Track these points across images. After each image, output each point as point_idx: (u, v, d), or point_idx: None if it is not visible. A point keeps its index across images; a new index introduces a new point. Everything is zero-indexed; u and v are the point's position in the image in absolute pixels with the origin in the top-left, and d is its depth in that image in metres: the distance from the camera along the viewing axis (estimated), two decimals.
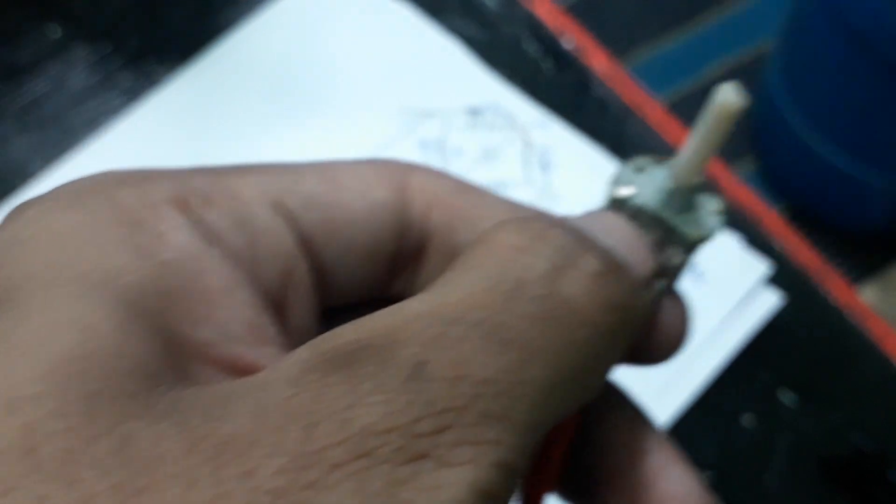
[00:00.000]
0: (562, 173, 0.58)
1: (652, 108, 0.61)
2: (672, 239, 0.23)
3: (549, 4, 0.64)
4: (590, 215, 0.22)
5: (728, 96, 0.20)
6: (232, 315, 0.19)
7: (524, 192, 0.57)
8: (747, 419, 0.53)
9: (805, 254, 0.57)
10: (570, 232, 0.20)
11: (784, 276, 0.56)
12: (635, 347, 0.23)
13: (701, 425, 0.52)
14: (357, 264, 0.22)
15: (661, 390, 0.52)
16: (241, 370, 0.18)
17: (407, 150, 0.58)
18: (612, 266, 0.20)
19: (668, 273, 0.23)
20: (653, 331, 0.23)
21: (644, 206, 0.23)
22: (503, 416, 0.17)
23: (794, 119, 1.20)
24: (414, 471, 0.16)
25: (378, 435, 0.16)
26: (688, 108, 1.43)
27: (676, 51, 1.48)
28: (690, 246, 0.23)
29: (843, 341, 0.55)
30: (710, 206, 0.23)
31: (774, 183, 1.35)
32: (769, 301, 0.55)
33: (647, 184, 0.23)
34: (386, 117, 0.59)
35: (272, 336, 0.19)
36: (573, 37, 0.63)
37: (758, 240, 0.56)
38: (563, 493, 0.24)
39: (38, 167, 0.57)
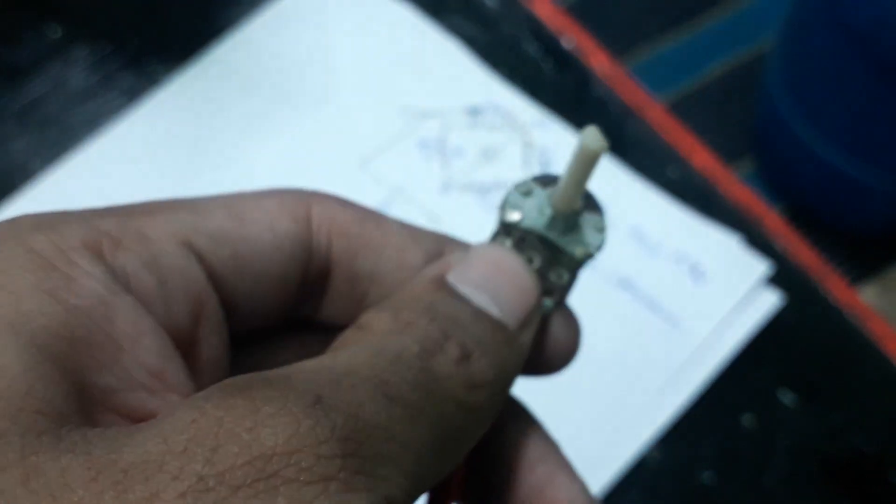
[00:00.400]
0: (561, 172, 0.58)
1: (652, 108, 0.61)
2: (559, 258, 0.25)
3: (550, 5, 0.64)
4: (474, 261, 0.24)
5: (589, 141, 0.22)
6: (136, 362, 0.19)
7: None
8: (747, 419, 0.53)
9: (805, 254, 0.57)
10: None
11: (784, 276, 0.56)
12: (529, 361, 0.24)
13: (701, 425, 0.52)
14: (266, 294, 0.23)
15: (662, 390, 0.52)
16: (140, 419, 0.18)
17: (407, 150, 0.58)
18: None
19: (557, 290, 0.25)
20: (544, 345, 0.25)
21: (531, 229, 0.24)
22: (393, 460, 0.18)
23: (793, 119, 1.20)
24: (320, 492, 0.16)
25: (282, 456, 0.16)
26: (688, 108, 1.44)
27: (676, 51, 1.48)
28: (576, 264, 0.25)
29: (843, 341, 0.55)
30: (593, 224, 0.25)
31: (774, 183, 1.35)
32: (769, 301, 0.55)
33: (533, 208, 0.25)
34: (386, 117, 0.59)
35: (178, 383, 0.20)
36: (573, 37, 0.63)
37: (758, 240, 0.56)
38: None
39: (39, 167, 0.57)
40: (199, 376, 0.22)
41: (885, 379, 0.54)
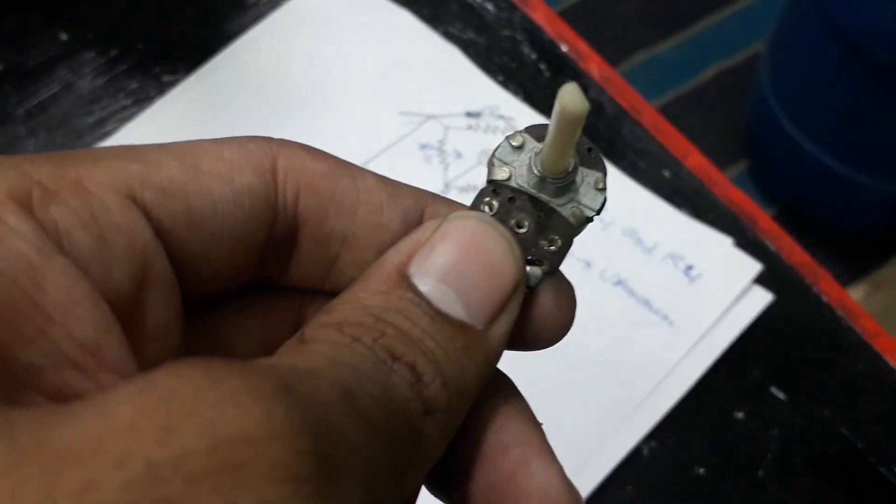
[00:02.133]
0: None
1: (646, 111, 0.62)
2: (552, 221, 0.22)
3: (547, 10, 0.65)
4: (443, 241, 0.21)
5: (567, 102, 0.19)
6: (67, 335, 0.17)
7: None
8: (740, 415, 0.53)
9: (796, 254, 0.58)
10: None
11: (776, 275, 0.56)
12: (515, 335, 0.22)
13: (694, 421, 0.53)
14: (223, 255, 0.21)
15: (656, 386, 0.53)
16: (67, 401, 0.15)
17: (407, 152, 0.59)
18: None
19: (548, 258, 0.22)
20: (532, 318, 0.23)
21: (520, 189, 0.22)
22: (356, 475, 0.16)
23: (785, 121, 1.21)
24: (291, 495, 0.14)
25: (254, 443, 0.14)
26: (681, 111, 1.45)
27: (670, 55, 1.49)
28: (571, 228, 0.22)
29: (834, 339, 0.56)
30: (592, 182, 0.22)
31: (766, 184, 1.36)
32: (761, 300, 0.56)
33: (524, 164, 0.22)
34: (386, 120, 0.60)
35: (115, 360, 0.17)
36: (569, 42, 0.64)
37: (750, 240, 0.57)
38: (431, 488, 0.23)
39: None
40: (145, 347, 0.19)
41: (875, 375, 0.55)
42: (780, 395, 0.54)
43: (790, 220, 1.24)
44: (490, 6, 0.64)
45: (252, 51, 0.62)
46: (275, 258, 0.22)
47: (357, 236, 0.22)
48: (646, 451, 0.52)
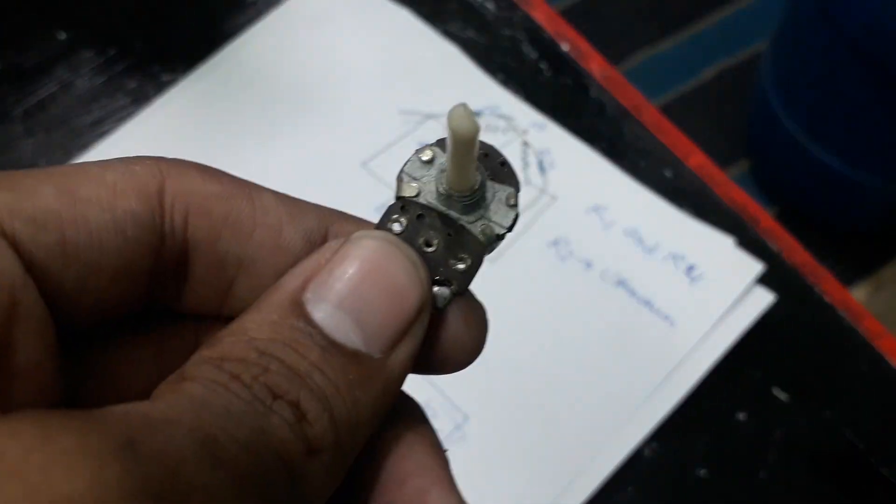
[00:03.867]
0: (560, 174, 0.59)
1: (647, 111, 0.62)
2: (462, 239, 0.21)
3: (547, 9, 0.65)
4: (342, 265, 0.20)
5: (456, 125, 0.19)
6: None
7: (523, 194, 0.58)
8: (741, 416, 0.53)
9: (798, 254, 0.57)
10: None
11: (777, 275, 0.56)
12: (422, 360, 0.21)
13: (695, 422, 0.53)
14: (104, 285, 0.20)
15: (658, 387, 0.53)
16: None
17: (407, 152, 0.59)
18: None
19: (457, 278, 0.21)
20: (440, 341, 0.22)
21: (430, 205, 0.21)
22: None
23: (787, 121, 1.21)
24: None
25: None
26: (683, 110, 1.45)
27: (672, 54, 1.49)
28: (481, 246, 0.22)
29: (836, 340, 0.56)
30: (503, 198, 0.22)
31: (768, 184, 1.36)
32: (763, 300, 0.55)
33: (433, 179, 0.22)
34: (387, 119, 0.60)
35: None
36: (570, 41, 0.63)
37: (752, 240, 0.57)
38: None
39: None
40: (14, 386, 0.18)
41: (877, 376, 0.55)
42: (782, 396, 0.54)
43: (792, 219, 1.23)
44: (490, 5, 0.64)
45: (251, 50, 0.62)
46: (166, 284, 0.21)
47: (254, 259, 0.21)
48: (647, 452, 0.52)
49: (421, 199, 0.22)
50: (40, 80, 0.60)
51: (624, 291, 0.55)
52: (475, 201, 0.21)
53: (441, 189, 0.21)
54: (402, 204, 0.22)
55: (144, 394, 0.18)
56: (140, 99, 0.60)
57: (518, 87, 0.61)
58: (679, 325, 0.54)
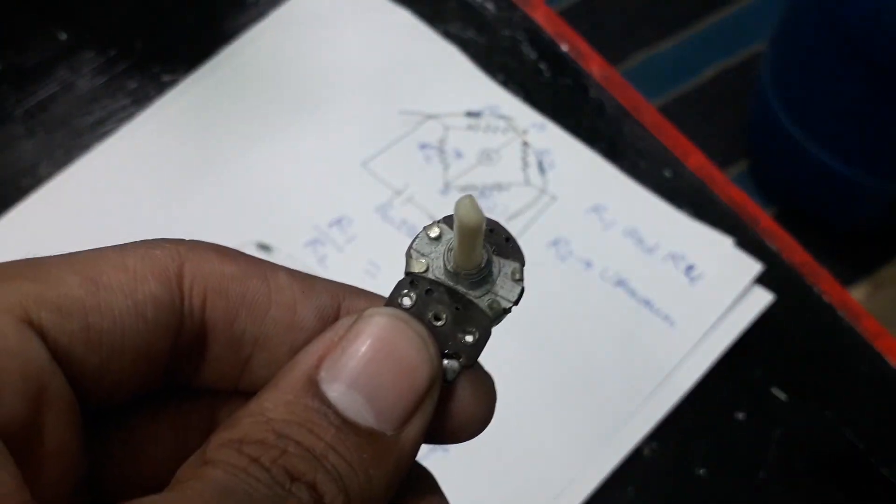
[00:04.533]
0: (559, 175, 0.59)
1: (647, 111, 0.62)
2: (470, 313, 0.22)
3: (547, 9, 0.65)
4: (354, 343, 0.21)
5: (463, 214, 0.20)
6: None
7: (523, 194, 0.58)
8: (741, 416, 0.53)
9: (797, 254, 0.58)
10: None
11: (777, 275, 0.56)
12: (431, 432, 0.22)
13: (695, 422, 0.53)
14: (126, 366, 0.21)
15: (655, 388, 0.53)
16: None
17: (407, 152, 0.59)
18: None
19: (465, 351, 0.22)
20: (449, 413, 0.22)
21: (438, 280, 0.22)
22: None
23: (786, 121, 1.21)
24: None
25: None
26: (682, 110, 1.45)
27: (671, 54, 1.49)
28: (488, 320, 0.22)
29: (835, 339, 0.56)
30: (510, 273, 0.23)
31: (767, 184, 1.36)
32: (762, 300, 0.55)
33: (441, 255, 0.22)
34: (387, 119, 0.60)
35: (4, 495, 0.17)
36: (570, 41, 0.64)
37: (751, 240, 0.57)
38: None
39: (45, 170, 0.57)
40: (43, 470, 0.19)
41: (876, 376, 0.55)
42: (781, 396, 0.54)
43: (791, 219, 1.23)
44: (490, 5, 0.64)
45: (251, 50, 0.62)
46: (185, 362, 0.22)
47: (269, 336, 0.22)
48: (646, 451, 0.52)
49: (430, 275, 0.22)
50: (41, 81, 0.60)
51: (623, 291, 0.55)
52: (482, 277, 0.22)
53: (449, 267, 0.22)
54: (412, 279, 0.22)
55: (165, 470, 0.19)
56: (141, 99, 0.60)
57: (518, 88, 0.61)
58: (678, 325, 0.54)
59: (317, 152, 0.59)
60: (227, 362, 0.22)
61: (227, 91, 0.60)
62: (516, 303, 0.23)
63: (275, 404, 0.20)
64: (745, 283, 0.55)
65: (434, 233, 0.23)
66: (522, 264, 0.23)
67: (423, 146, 0.59)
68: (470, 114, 0.60)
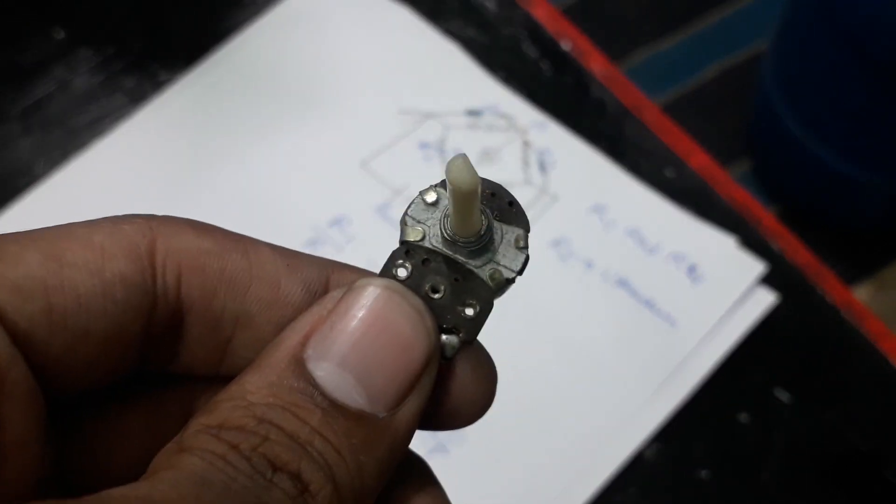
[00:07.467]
0: (561, 173, 0.58)
1: (649, 110, 0.61)
2: (470, 284, 0.21)
3: (548, 7, 0.64)
4: (344, 318, 0.19)
5: (454, 177, 0.18)
6: None
7: (524, 193, 0.58)
8: (743, 418, 0.53)
9: (800, 254, 0.57)
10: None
11: (779, 275, 0.56)
12: (428, 416, 0.20)
13: (697, 424, 0.53)
14: (94, 352, 0.19)
15: (659, 388, 0.53)
16: None
17: (407, 151, 0.59)
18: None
19: (465, 325, 0.20)
20: (448, 394, 0.21)
21: (435, 249, 0.21)
22: None
23: (788, 120, 1.21)
24: None
25: None
26: (685, 109, 1.44)
27: (673, 53, 1.48)
28: (490, 291, 0.21)
29: (839, 340, 0.55)
30: (513, 240, 0.21)
31: (770, 183, 1.35)
32: (765, 300, 0.55)
33: (439, 222, 0.21)
34: (387, 118, 0.60)
35: None
36: (571, 39, 0.63)
37: (753, 240, 0.57)
38: None
39: (42, 169, 0.57)
40: (6, 461, 0.18)
41: (880, 377, 0.54)
42: (784, 398, 0.54)
43: (794, 219, 1.23)
44: (490, 3, 0.64)
45: (249, 49, 0.62)
46: (160, 346, 0.21)
47: (252, 315, 0.20)
48: (648, 453, 0.52)
49: (426, 243, 0.21)
50: (38, 79, 0.60)
51: (625, 292, 0.55)
52: (483, 245, 0.21)
53: (447, 234, 0.21)
54: (407, 248, 0.21)
55: (138, 462, 0.17)
56: (138, 98, 0.60)
57: (519, 86, 0.61)
58: (680, 326, 0.54)
59: (316, 151, 0.59)
60: (206, 345, 0.21)
61: (224, 90, 0.60)
62: (520, 272, 0.21)
63: (257, 386, 0.18)
64: (747, 284, 0.55)
65: (431, 198, 0.21)
66: (527, 230, 0.21)
67: (423, 145, 0.59)
68: (470, 113, 0.60)
